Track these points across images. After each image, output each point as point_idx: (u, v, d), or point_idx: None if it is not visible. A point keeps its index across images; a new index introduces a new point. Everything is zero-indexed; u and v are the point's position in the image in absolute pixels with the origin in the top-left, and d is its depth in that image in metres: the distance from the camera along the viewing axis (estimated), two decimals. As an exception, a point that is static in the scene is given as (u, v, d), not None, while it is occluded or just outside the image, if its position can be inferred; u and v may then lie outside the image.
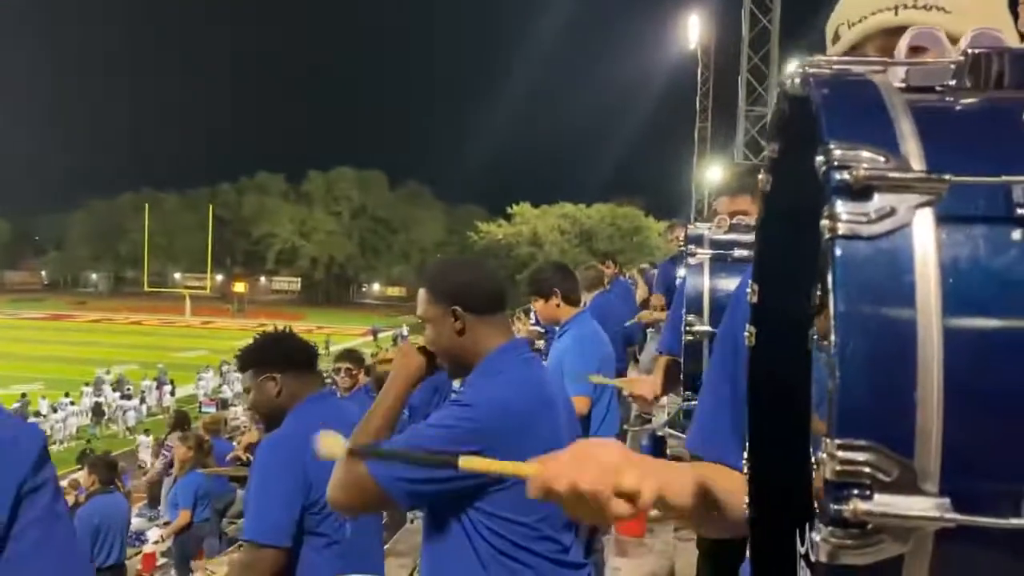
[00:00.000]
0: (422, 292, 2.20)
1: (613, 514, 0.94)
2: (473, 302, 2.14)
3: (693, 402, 2.85)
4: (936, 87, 0.79)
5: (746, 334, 1.02)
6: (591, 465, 0.94)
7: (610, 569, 4.84)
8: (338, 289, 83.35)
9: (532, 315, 9.00)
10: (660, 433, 5.62)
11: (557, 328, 4.52)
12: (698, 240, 3.21)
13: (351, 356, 7.10)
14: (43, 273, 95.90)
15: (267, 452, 2.79)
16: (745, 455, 1.03)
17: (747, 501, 1.01)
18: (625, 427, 6.02)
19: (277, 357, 2.94)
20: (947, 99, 0.76)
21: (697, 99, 29.41)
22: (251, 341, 3.04)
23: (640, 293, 8.93)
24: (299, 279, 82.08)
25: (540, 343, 6.92)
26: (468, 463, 1.03)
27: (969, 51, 0.77)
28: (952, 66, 0.79)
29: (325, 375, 7.18)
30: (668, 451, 4.74)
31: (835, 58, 0.78)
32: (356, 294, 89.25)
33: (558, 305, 4.38)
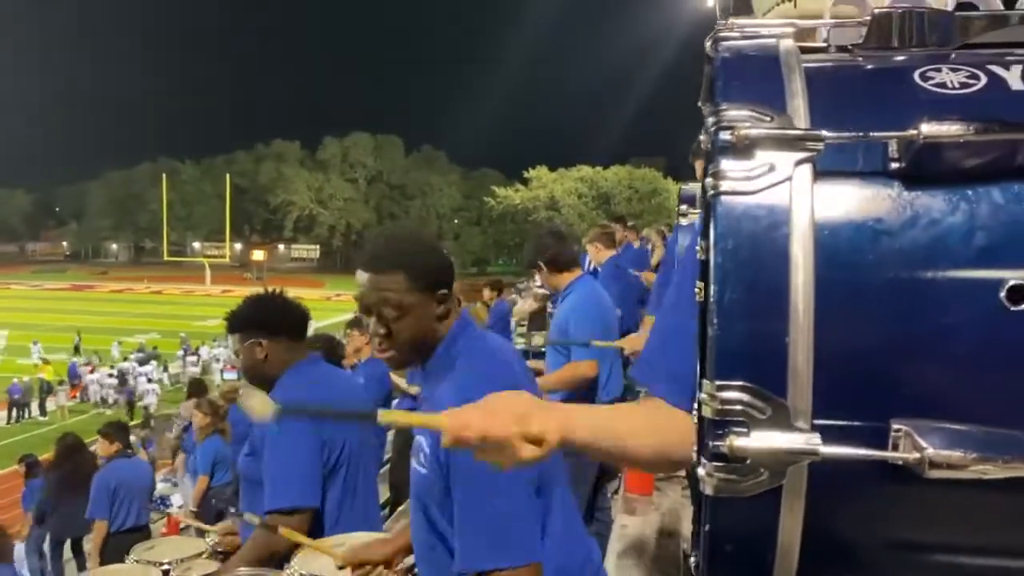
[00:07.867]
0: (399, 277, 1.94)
1: (522, 457, 1.00)
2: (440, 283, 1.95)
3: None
4: (848, 47, 0.82)
5: (696, 290, 1.06)
6: (500, 414, 1.00)
7: (618, 527, 4.90)
8: (356, 256, 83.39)
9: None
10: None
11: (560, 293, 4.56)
12: (691, 200, 3.23)
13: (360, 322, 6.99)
14: (64, 244, 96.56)
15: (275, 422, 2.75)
16: (695, 407, 1.07)
17: (695, 449, 1.07)
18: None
19: (264, 321, 2.79)
20: (855, 59, 0.80)
21: (714, 57, 28.99)
22: (240, 303, 2.88)
23: (658, 254, 8.93)
24: (318, 247, 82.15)
25: (548, 305, 6.94)
26: (386, 416, 1.09)
27: (875, 11, 0.80)
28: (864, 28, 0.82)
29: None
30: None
31: (747, 22, 0.82)
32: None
33: (549, 274, 4.43)
